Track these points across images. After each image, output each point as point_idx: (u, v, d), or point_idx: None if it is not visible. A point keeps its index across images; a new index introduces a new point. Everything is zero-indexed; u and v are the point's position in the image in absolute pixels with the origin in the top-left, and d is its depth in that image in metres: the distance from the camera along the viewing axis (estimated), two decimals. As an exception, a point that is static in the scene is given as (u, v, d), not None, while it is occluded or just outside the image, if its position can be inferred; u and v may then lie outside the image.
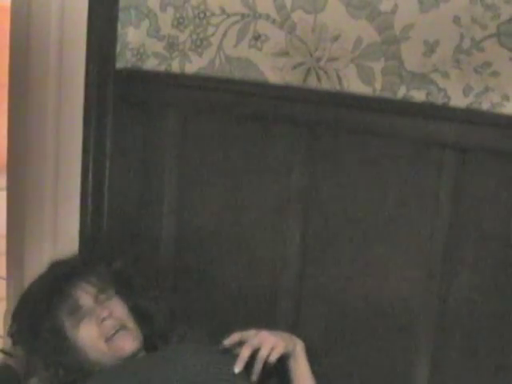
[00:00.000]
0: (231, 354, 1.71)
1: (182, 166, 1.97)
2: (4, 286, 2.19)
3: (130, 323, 1.75)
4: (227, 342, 1.71)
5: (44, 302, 1.75)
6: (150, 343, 1.80)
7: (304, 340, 1.77)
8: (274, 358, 1.68)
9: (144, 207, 2.04)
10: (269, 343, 1.68)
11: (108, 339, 1.70)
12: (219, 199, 1.94)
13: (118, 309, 1.74)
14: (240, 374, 1.68)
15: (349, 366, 1.86)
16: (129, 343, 1.71)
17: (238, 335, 1.71)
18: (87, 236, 2.04)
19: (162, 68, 1.97)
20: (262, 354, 1.67)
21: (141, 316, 1.79)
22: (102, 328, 1.70)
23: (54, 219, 2.04)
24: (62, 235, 2.04)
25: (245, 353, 1.67)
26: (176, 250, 2.02)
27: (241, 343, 1.71)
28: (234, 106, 1.88)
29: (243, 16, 1.85)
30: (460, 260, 1.71)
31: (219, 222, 1.95)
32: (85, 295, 1.74)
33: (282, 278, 1.89)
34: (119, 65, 2.00)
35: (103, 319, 1.70)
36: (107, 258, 1.90)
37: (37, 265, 2.03)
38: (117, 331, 1.70)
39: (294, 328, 1.86)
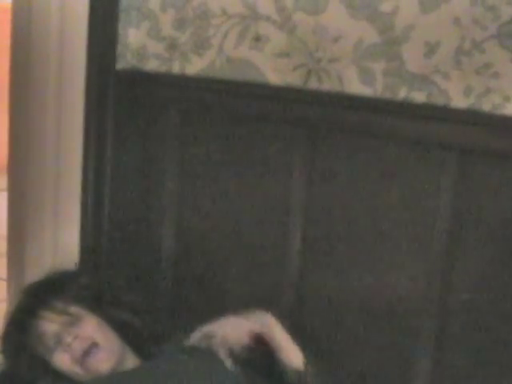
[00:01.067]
0: (219, 361, 1.72)
1: (183, 167, 1.97)
2: (4, 287, 2.18)
3: (103, 338, 1.71)
4: (192, 341, 1.73)
5: (15, 339, 1.76)
6: (142, 348, 1.79)
7: (306, 341, 1.77)
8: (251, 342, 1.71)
9: (145, 207, 2.04)
10: (240, 336, 1.70)
11: (80, 362, 1.68)
12: (220, 200, 1.94)
13: (86, 327, 1.71)
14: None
15: (349, 364, 1.86)
16: (101, 362, 1.69)
17: (200, 333, 1.73)
18: (88, 237, 2.04)
19: (163, 69, 1.97)
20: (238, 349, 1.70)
21: (119, 326, 1.77)
22: (71, 352, 1.69)
23: (54, 220, 2.03)
24: (62, 236, 2.04)
25: (225, 356, 1.69)
26: (177, 251, 2.01)
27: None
28: (235, 108, 1.88)
29: (244, 17, 1.85)
30: (461, 259, 1.72)
31: (220, 223, 1.95)
32: (49, 324, 1.72)
33: (284, 278, 1.89)
34: (119, 66, 1.99)
35: (69, 344, 1.69)
36: (74, 274, 1.88)
37: (37, 266, 2.03)
38: (86, 352, 1.68)
39: (296, 328, 1.87)
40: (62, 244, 2.05)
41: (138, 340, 1.79)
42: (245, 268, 1.94)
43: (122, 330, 1.76)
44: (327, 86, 1.79)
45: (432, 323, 1.76)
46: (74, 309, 1.74)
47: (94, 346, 1.69)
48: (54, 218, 2.04)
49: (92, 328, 1.72)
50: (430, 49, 1.68)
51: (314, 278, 1.87)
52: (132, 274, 1.97)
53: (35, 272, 1.98)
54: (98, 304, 1.78)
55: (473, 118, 1.66)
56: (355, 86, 1.76)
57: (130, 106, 1.98)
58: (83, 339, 1.69)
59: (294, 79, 1.82)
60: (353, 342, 1.85)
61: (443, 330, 1.75)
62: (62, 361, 1.70)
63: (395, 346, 1.80)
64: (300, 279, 1.88)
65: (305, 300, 1.88)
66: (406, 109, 1.72)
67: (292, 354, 1.71)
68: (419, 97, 1.71)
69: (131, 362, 1.76)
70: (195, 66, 1.93)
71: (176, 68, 1.96)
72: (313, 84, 1.80)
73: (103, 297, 1.81)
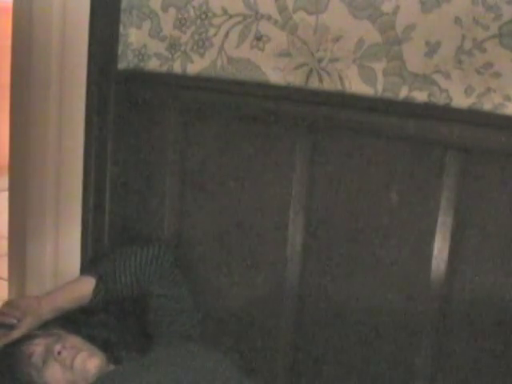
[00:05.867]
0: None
1: (184, 167, 1.97)
2: (5, 287, 2.19)
3: (86, 347, 1.77)
4: None
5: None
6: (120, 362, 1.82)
7: (306, 342, 1.76)
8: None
9: (145, 207, 2.04)
10: None
11: (70, 367, 1.72)
12: (221, 200, 1.94)
13: (70, 341, 1.76)
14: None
15: (350, 366, 1.86)
16: (89, 361, 1.73)
17: None
18: (89, 237, 2.04)
19: (164, 69, 1.97)
20: None
21: (98, 342, 1.82)
22: (61, 360, 1.72)
23: (55, 219, 2.03)
24: (63, 236, 2.04)
25: None
26: (177, 252, 2.01)
27: None
28: (236, 107, 1.88)
29: (245, 17, 1.85)
30: (462, 260, 1.72)
31: (220, 222, 1.95)
32: (36, 346, 1.76)
33: (284, 279, 1.89)
34: (121, 65, 2.00)
35: (59, 352, 1.72)
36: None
37: (38, 266, 2.03)
38: (74, 357, 1.72)
39: (296, 330, 1.87)
40: (63, 244, 2.05)
41: (116, 353, 1.83)
42: (246, 267, 1.94)
43: (100, 346, 1.81)
44: (328, 85, 1.79)
45: (433, 324, 1.76)
46: (55, 331, 1.79)
47: (79, 351, 1.74)
48: (55, 218, 2.04)
49: (76, 340, 1.77)
50: (431, 48, 1.68)
51: (314, 278, 1.87)
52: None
53: (36, 272, 1.98)
54: (74, 327, 1.83)
55: (473, 118, 1.66)
56: (356, 86, 1.76)
57: (131, 106, 1.99)
58: (71, 348, 1.74)
59: (295, 79, 1.82)
60: (353, 343, 1.85)
61: (445, 330, 1.75)
62: (54, 372, 1.73)
63: (396, 347, 1.80)
64: (301, 279, 1.88)
65: (306, 299, 1.88)
66: (406, 108, 1.72)
67: None
68: (420, 96, 1.71)
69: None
70: (196, 66, 1.93)
71: (177, 68, 1.96)
72: (314, 84, 1.80)
73: (77, 319, 1.87)
